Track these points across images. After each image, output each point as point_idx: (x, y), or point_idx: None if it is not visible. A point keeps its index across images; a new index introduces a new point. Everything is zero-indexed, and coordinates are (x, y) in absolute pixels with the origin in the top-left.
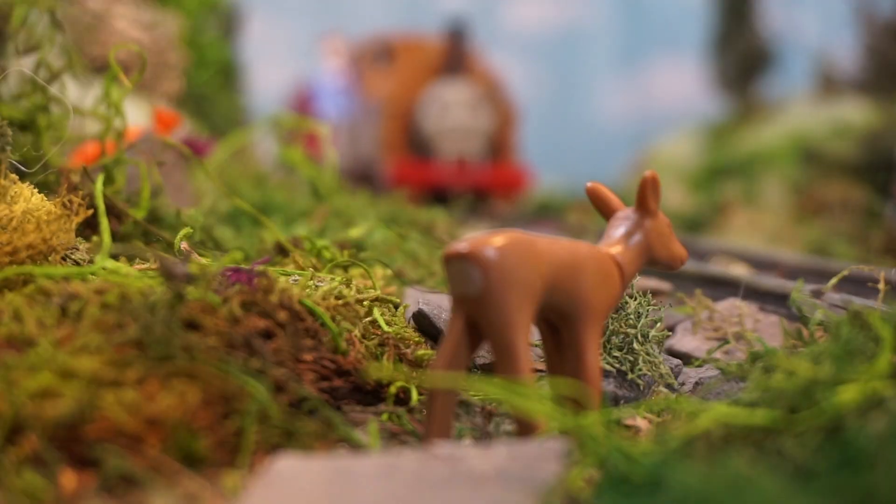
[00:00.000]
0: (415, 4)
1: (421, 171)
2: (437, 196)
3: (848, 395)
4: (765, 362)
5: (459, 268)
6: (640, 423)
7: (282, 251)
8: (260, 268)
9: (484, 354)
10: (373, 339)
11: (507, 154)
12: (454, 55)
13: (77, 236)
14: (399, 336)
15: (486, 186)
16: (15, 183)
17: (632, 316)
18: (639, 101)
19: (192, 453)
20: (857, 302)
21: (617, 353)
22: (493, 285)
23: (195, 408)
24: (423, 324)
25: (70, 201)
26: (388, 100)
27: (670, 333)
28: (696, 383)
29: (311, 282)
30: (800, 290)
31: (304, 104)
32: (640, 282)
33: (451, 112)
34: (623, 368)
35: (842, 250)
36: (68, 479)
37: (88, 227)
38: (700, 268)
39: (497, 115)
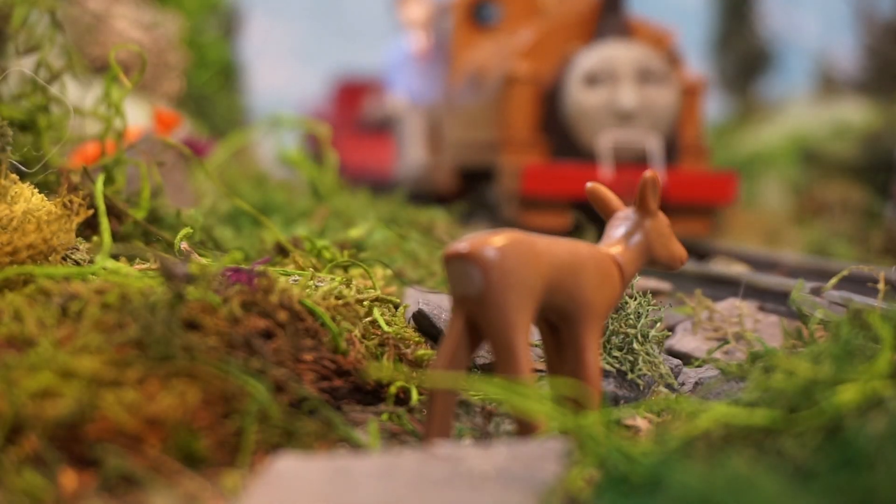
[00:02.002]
0: None
1: (567, 178)
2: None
3: (848, 395)
4: (765, 362)
5: (459, 268)
6: (640, 423)
7: (282, 251)
8: (260, 268)
9: (484, 354)
10: (373, 339)
11: (693, 151)
12: (610, 4)
13: (77, 236)
14: (399, 336)
15: (670, 201)
16: (15, 183)
17: (632, 316)
18: None
19: (193, 453)
20: (858, 301)
21: (617, 353)
22: (493, 285)
23: (195, 408)
24: (423, 324)
25: (70, 201)
26: (505, 74)
27: (670, 333)
28: (696, 383)
29: (312, 282)
30: (800, 290)
31: (349, 99)
32: (640, 282)
33: (612, 89)
34: (623, 368)
35: (842, 250)
36: (68, 478)
37: (88, 228)
38: (700, 268)
39: (679, 95)
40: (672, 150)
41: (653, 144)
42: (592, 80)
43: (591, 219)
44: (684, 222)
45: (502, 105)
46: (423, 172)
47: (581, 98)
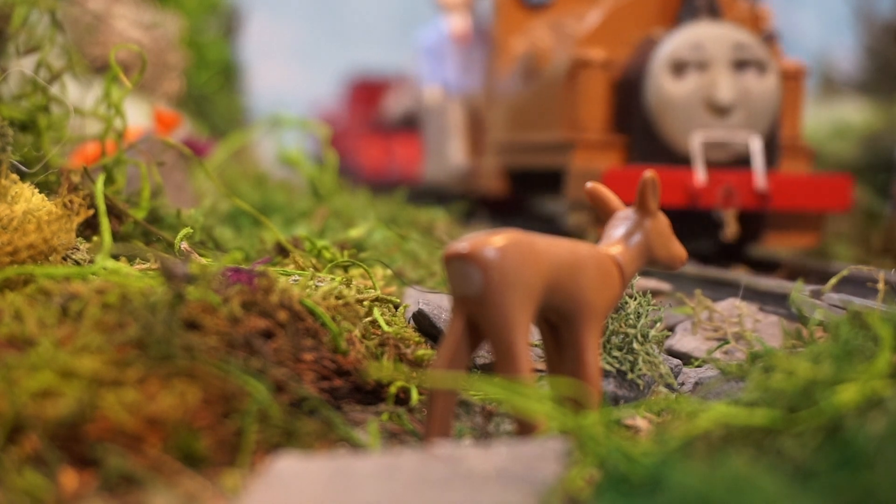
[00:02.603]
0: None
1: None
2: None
3: (847, 394)
4: (764, 362)
5: (459, 268)
6: (640, 423)
7: (282, 251)
8: (260, 268)
9: (484, 354)
10: (373, 339)
11: (793, 150)
12: None
13: (77, 236)
14: (399, 336)
15: (774, 209)
16: (16, 183)
17: (632, 316)
18: None
19: (193, 453)
20: (857, 302)
21: (617, 353)
22: (493, 285)
23: (196, 408)
24: (423, 324)
25: (71, 201)
26: (571, 61)
27: (670, 333)
28: (696, 383)
29: (312, 282)
30: (799, 291)
31: (365, 97)
32: (640, 282)
33: (705, 79)
34: (623, 368)
35: (842, 251)
36: (69, 478)
37: (89, 228)
38: (699, 269)
39: (780, 85)
40: (772, 150)
41: (754, 143)
42: (680, 67)
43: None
44: (792, 233)
45: (568, 98)
46: (463, 173)
47: (667, 89)
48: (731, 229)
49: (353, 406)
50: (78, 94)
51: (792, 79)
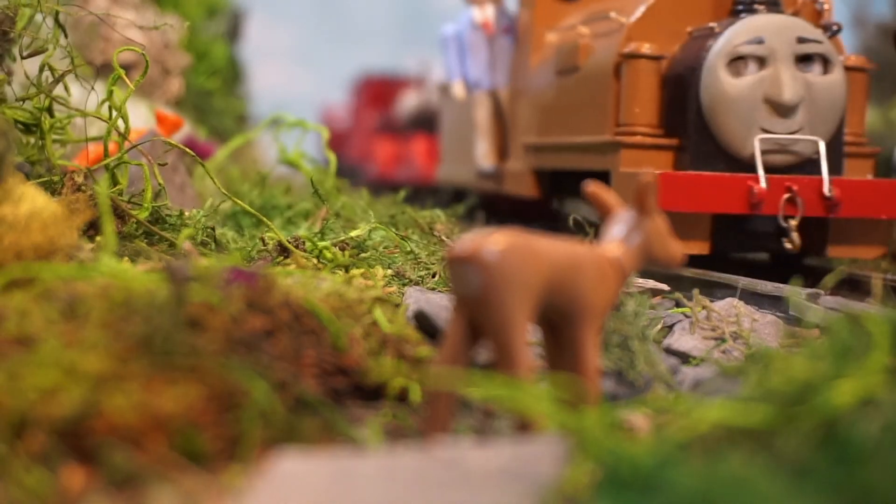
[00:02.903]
0: (415, 7)
1: (715, 189)
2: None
3: (844, 392)
4: (762, 361)
5: (460, 268)
6: (639, 422)
7: (283, 251)
8: (262, 268)
9: (484, 353)
10: (374, 338)
11: (856, 153)
12: None
13: (81, 236)
14: (400, 335)
15: (841, 217)
16: (21, 184)
17: (630, 315)
18: None
19: (196, 451)
20: (853, 304)
21: (615, 352)
22: (493, 286)
23: (198, 405)
24: (424, 323)
25: (74, 202)
26: (615, 54)
27: (669, 332)
28: (695, 382)
29: (313, 282)
30: (797, 290)
31: (377, 97)
32: (639, 281)
33: (766, 76)
34: (621, 367)
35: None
36: (74, 475)
37: (91, 228)
38: (697, 271)
39: (846, 83)
40: (836, 152)
41: (819, 145)
42: (739, 62)
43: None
44: (857, 244)
45: (613, 95)
46: (488, 174)
47: (724, 86)
48: (794, 239)
49: (355, 404)
50: (81, 95)
51: (854, 78)
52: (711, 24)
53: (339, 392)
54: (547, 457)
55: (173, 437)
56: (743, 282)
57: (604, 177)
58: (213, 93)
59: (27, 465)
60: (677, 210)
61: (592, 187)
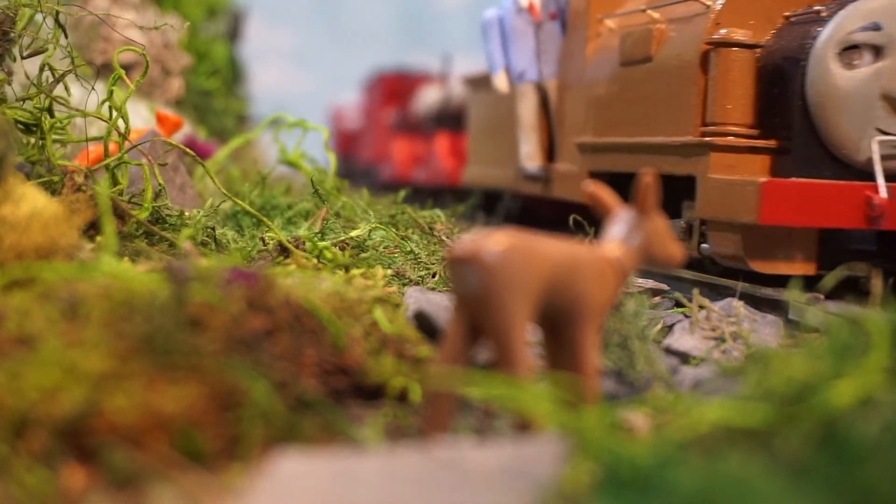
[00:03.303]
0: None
1: (827, 200)
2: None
3: (843, 392)
4: (762, 361)
5: (461, 269)
6: (639, 421)
7: (283, 251)
8: (262, 268)
9: (484, 353)
10: (374, 337)
11: None
12: None
13: (81, 236)
14: (400, 335)
15: None
16: (21, 184)
17: (630, 315)
18: None
19: (196, 450)
20: (854, 308)
21: (615, 352)
22: (494, 286)
23: (199, 405)
24: (424, 323)
25: (75, 202)
26: (700, 42)
27: (668, 332)
28: (694, 382)
29: (313, 282)
30: (797, 291)
31: (394, 94)
32: (639, 281)
33: (886, 68)
34: (621, 367)
35: None
36: (75, 475)
37: (92, 228)
38: (698, 274)
39: None
40: None
41: None
42: (852, 53)
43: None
44: None
45: (698, 88)
46: (533, 177)
47: (835, 80)
48: None
49: (355, 404)
50: (81, 95)
51: None
52: (816, 7)
53: (340, 392)
54: (547, 457)
55: (174, 437)
56: (742, 286)
57: (683, 182)
58: (214, 93)
59: (28, 464)
60: (781, 224)
61: (591, 187)
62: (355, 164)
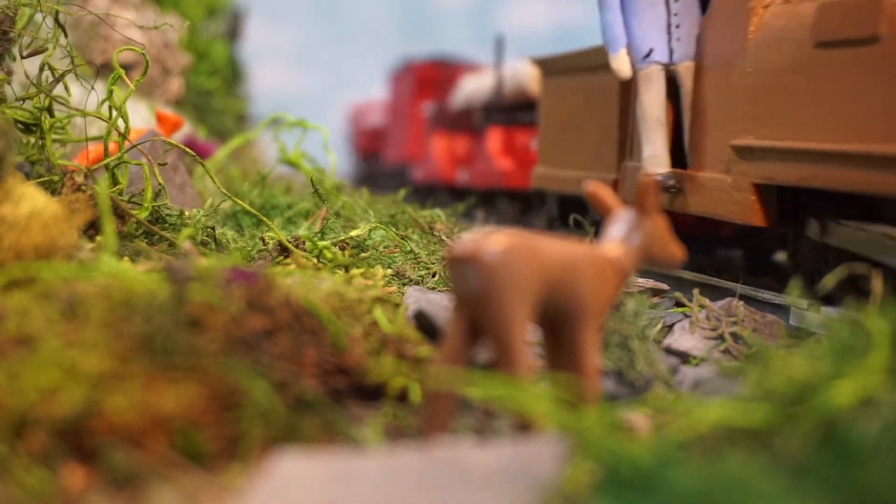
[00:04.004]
0: (414, 8)
1: None
2: None
3: (844, 392)
4: (762, 361)
5: (461, 269)
6: (639, 421)
7: (283, 251)
8: (262, 268)
9: (484, 353)
10: (374, 337)
11: None
12: None
13: (81, 236)
14: (400, 335)
15: None
16: (21, 183)
17: (630, 315)
18: None
19: (196, 450)
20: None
21: (615, 352)
22: (494, 286)
23: (199, 405)
24: (424, 323)
25: (74, 202)
26: None
27: (668, 332)
28: (694, 382)
29: (313, 281)
30: (797, 290)
31: (429, 85)
32: (639, 281)
33: None
34: (621, 367)
35: None
36: (75, 475)
37: (92, 227)
38: (696, 274)
39: None
40: None
41: None
42: None
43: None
44: None
45: None
46: (663, 183)
47: None
48: None
49: (355, 404)
50: (81, 95)
51: None
52: None
53: (339, 392)
54: (547, 457)
55: (174, 437)
56: (742, 288)
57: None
58: (214, 92)
59: (28, 464)
60: None
61: (591, 187)
62: (380, 164)
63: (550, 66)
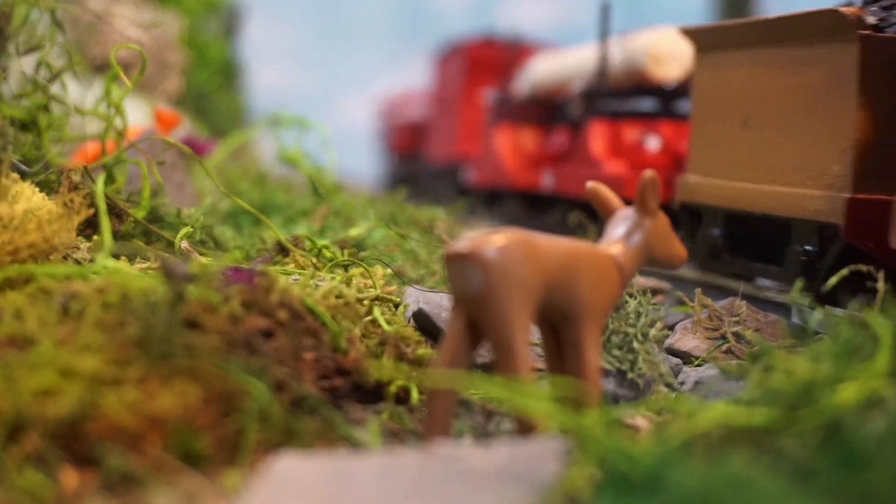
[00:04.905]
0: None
1: None
2: None
3: (847, 394)
4: (764, 361)
5: (460, 267)
6: (640, 422)
7: (282, 250)
8: (260, 267)
9: (484, 353)
10: (373, 338)
11: None
12: None
13: (78, 235)
14: (399, 335)
15: None
16: (16, 182)
17: (631, 315)
18: None
19: (193, 452)
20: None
21: (617, 353)
22: (493, 285)
23: (196, 406)
24: (424, 323)
25: (71, 200)
26: None
27: (670, 332)
28: (696, 382)
29: (312, 281)
30: (799, 290)
31: (479, 69)
32: (640, 281)
33: None
34: (623, 368)
35: None
36: (70, 477)
37: (89, 227)
38: (698, 273)
39: None
40: None
41: None
42: None
43: (592, 218)
44: None
45: None
46: None
47: None
48: None
49: (354, 405)
50: (78, 93)
51: None
52: None
53: (338, 392)
54: (547, 457)
55: (171, 439)
56: (744, 287)
57: None
58: (213, 90)
59: (23, 467)
60: None
61: (593, 185)
62: (421, 164)
63: (715, 39)
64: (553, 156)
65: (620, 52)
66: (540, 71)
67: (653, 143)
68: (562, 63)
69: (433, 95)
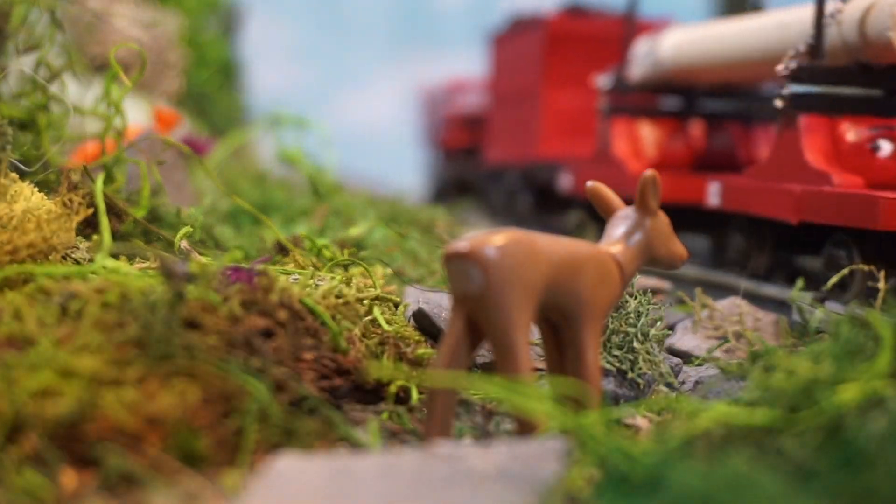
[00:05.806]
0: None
1: None
2: None
3: (848, 394)
4: (765, 361)
5: (460, 267)
6: (640, 422)
7: (282, 250)
8: (260, 267)
9: (484, 353)
10: (373, 337)
11: None
12: None
13: (77, 235)
14: (399, 335)
15: None
16: (15, 182)
17: (632, 315)
18: None
19: (193, 452)
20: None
21: (617, 352)
22: (493, 284)
23: (195, 407)
24: (424, 323)
25: (70, 200)
26: None
27: (670, 332)
28: (697, 382)
29: (312, 281)
30: (799, 290)
31: (578, 47)
32: (640, 281)
33: None
34: (623, 367)
35: None
36: (69, 477)
37: (88, 226)
38: (699, 272)
39: None
40: None
41: None
42: None
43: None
44: None
45: None
46: None
47: None
48: None
49: (354, 405)
50: (78, 92)
51: None
52: None
53: (339, 392)
54: (547, 457)
55: (170, 439)
56: (745, 285)
57: None
58: (213, 90)
59: (22, 467)
60: None
61: (593, 185)
62: (478, 165)
63: None
64: (713, 159)
65: (836, 19)
66: (686, 48)
67: (885, 149)
68: (732, 35)
69: (494, 83)
